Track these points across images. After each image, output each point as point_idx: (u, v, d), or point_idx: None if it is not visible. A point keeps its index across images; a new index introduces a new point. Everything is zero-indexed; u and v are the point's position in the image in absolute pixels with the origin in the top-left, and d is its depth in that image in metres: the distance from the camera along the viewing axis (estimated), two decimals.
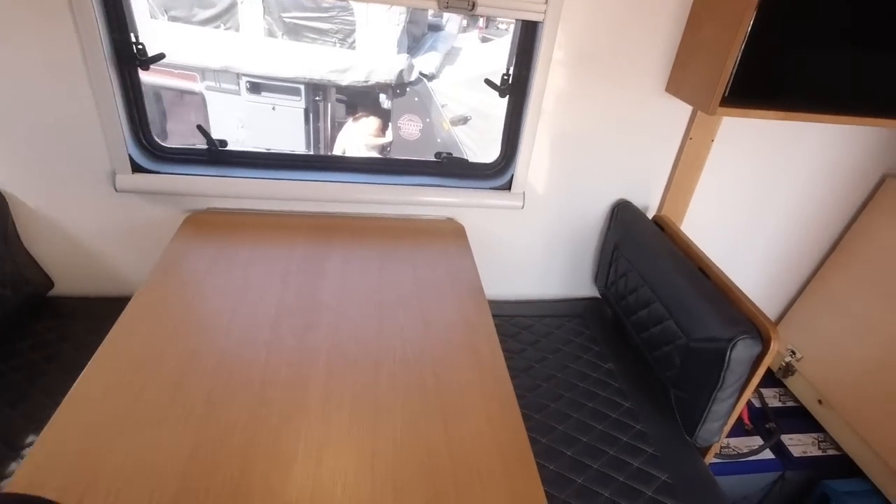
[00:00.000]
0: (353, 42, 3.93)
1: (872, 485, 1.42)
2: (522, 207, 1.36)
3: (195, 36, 3.54)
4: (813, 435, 1.60)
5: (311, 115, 3.94)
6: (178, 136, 3.79)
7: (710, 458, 1.18)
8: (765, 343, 1.01)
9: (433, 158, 1.37)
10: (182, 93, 3.77)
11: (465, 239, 1.28)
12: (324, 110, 4.02)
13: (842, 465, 1.50)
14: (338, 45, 3.91)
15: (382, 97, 3.94)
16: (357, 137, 3.94)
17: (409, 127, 3.94)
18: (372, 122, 3.95)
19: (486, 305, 1.06)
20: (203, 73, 3.65)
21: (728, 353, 0.97)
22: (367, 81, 3.71)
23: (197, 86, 3.73)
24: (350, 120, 4.04)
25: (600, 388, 1.26)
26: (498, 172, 1.37)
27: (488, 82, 1.27)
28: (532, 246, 1.45)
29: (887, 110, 1.19)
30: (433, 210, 1.35)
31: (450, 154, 1.36)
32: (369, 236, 1.24)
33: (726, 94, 1.10)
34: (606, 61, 1.21)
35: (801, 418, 1.64)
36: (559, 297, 1.57)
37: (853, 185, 1.52)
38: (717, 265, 1.18)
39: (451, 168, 1.37)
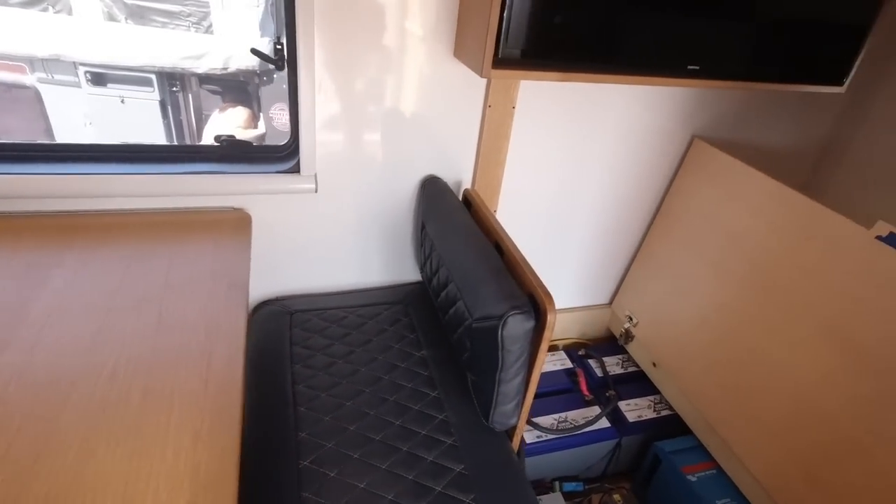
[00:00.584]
0: (210, 26, 3.64)
1: (698, 440, 1.44)
2: (316, 191, 1.24)
3: (13, 20, 3.11)
4: (649, 398, 1.62)
5: (169, 108, 3.61)
6: (7, 133, 3.35)
7: (517, 441, 1.13)
8: (542, 316, 0.95)
9: (213, 143, 1.22)
10: (9, 87, 3.33)
11: (246, 230, 1.15)
12: (185, 102, 3.70)
13: (674, 425, 1.52)
14: (192, 29, 3.60)
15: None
16: (224, 130, 3.66)
17: (282, 117, 3.72)
18: (240, 113, 3.69)
19: (243, 304, 0.94)
20: (31, 63, 3.24)
21: (500, 331, 0.91)
22: (226, 68, 3.45)
23: (27, 78, 3.32)
24: (217, 111, 3.75)
25: (408, 379, 1.18)
26: (289, 155, 1.24)
27: (256, 52, 1.13)
28: (340, 232, 1.34)
29: (676, 70, 1.17)
30: (216, 200, 1.20)
31: (231, 137, 1.22)
32: (125, 235, 1.07)
33: (498, 54, 1.03)
34: (390, 24, 1.11)
35: (640, 382, 1.65)
36: (384, 284, 1.48)
37: (666, 147, 1.52)
38: (514, 240, 1.12)
39: (233, 152, 1.23)
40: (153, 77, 3.41)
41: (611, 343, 1.79)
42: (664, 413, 1.57)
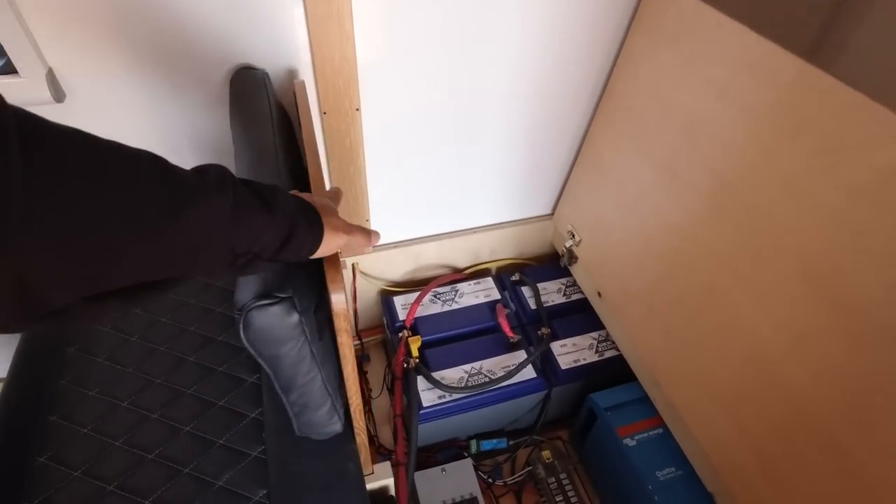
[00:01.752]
0: None
1: (646, 391, 1.14)
2: (61, 100, 0.84)
3: None
4: (592, 335, 1.30)
5: None
6: None
7: (363, 440, 0.83)
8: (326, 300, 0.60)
9: None
10: None
11: None
12: None
13: (621, 368, 1.20)
14: None
15: None
16: None
17: None
18: None
19: None
20: None
21: (241, 331, 0.57)
22: None
23: None
24: None
25: (220, 360, 0.87)
26: None
27: None
28: None
29: None
30: None
31: None
32: None
33: None
34: None
35: (584, 313, 1.32)
36: None
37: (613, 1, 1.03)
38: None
39: None
40: None
41: (554, 263, 1.43)
42: (609, 354, 1.26)
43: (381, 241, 1.32)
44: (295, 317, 0.56)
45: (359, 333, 1.48)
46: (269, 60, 0.92)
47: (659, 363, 1.05)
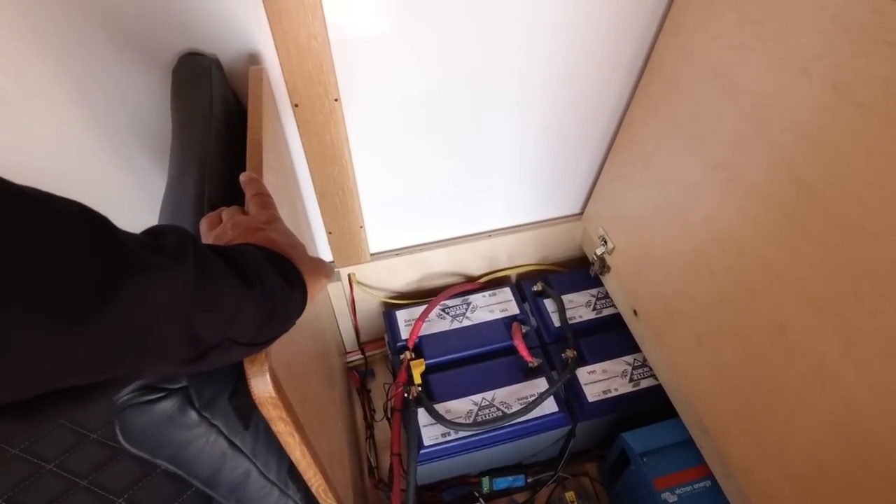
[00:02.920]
0: None
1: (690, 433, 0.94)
2: None
3: None
4: (625, 359, 1.10)
5: None
6: None
7: None
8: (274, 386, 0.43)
9: None
10: None
11: None
12: None
13: (660, 399, 1.01)
14: None
15: None
16: None
17: None
18: None
19: None
20: None
21: (118, 434, 0.41)
22: None
23: None
24: None
25: None
26: None
27: None
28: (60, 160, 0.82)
29: None
30: None
31: None
32: None
33: None
34: None
35: (618, 331, 1.12)
36: None
37: None
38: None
39: None
40: None
41: (583, 269, 1.23)
42: (645, 384, 1.06)
43: (380, 249, 1.15)
44: (191, 414, 0.40)
45: (361, 347, 1.32)
46: (223, 44, 0.75)
47: (707, 406, 0.85)
